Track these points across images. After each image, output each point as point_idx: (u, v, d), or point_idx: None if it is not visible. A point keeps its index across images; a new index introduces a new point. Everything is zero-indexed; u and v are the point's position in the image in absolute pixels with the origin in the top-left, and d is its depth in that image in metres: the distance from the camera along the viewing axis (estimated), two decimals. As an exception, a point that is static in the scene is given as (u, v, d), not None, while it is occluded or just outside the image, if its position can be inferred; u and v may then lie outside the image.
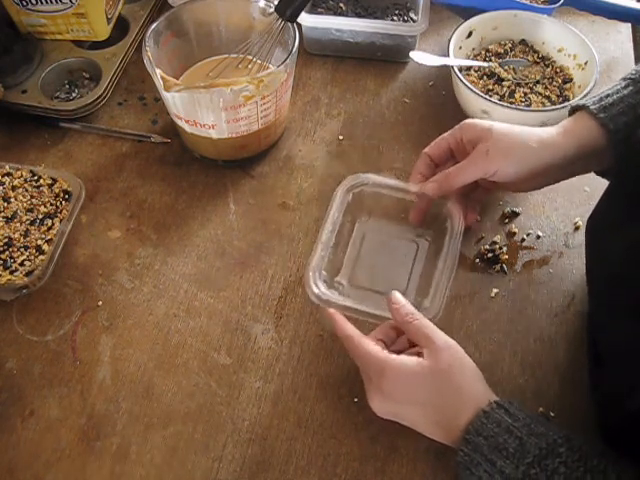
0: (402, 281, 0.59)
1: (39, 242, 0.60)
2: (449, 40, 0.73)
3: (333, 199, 0.59)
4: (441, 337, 0.48)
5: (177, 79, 0.70)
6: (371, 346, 0.48)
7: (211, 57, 0.73)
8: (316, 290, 0.54)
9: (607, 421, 0.51)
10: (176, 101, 0.62)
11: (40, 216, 0.62)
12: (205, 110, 0.61)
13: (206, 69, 0.71)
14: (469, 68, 0.75)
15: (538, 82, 0.74)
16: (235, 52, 0.70)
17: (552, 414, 0.54)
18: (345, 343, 0.50)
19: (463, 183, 0.56)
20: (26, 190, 0.64)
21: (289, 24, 0.65)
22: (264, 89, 0.61)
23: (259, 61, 0.68)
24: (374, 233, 0.63)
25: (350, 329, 0.50)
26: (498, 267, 0.63)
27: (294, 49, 0.63)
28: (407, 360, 0.47)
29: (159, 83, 0.60)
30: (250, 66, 0.68)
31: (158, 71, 0.59)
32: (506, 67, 0.75)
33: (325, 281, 0.56)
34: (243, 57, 0.68)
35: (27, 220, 0.62)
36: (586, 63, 0.72)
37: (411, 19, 0.83)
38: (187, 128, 0.66)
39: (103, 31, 0.78)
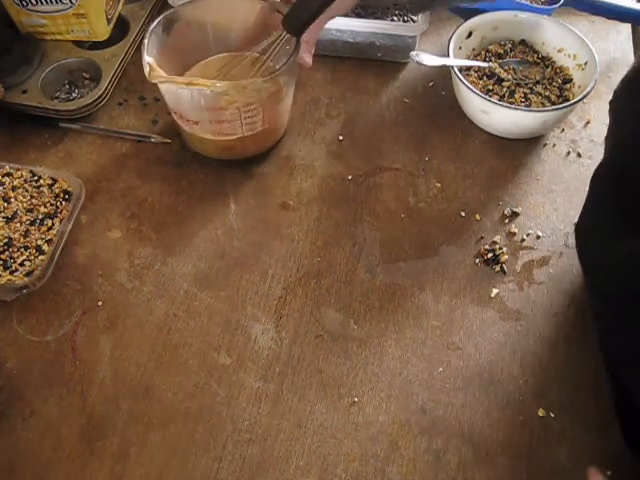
0: None
1: (39, 242, 0.60)
2: (449, 40, 0.73)
3: None
4: None
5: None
6: None
7: (210, 57, 0.73)
8: None
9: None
10: (166, 96, 0.62)
11: (40, 216, 0.62)
12: (188, 106, 0.61)
13: (211, 68, 0.70)
14: (469, 68, 0.75)
15: (538, 82, 0.74)
16: (233, 52, 0.70)
17: (552, 414, 0.54)
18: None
19: None
20: (26, 190, 0.64)
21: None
22: (246, 97, 0.60)
23: (271, 63, 0.66)
24: None
25: None
26: (498, 267, 0.63)
27: (285, 65, 0.61)
28: None
29: (146, 70, 0.59)
30: (259, 66, 0.67)
31: (149, 59, 0.59)
32: (506, 67, 0.75)
33: None
34: (258, 56, 0.66)
35: (27, 220, 0.62)
36: (586, 63, 0.72)
37: (411, 19, 0.83)
38: (187, 128, 0.66)
39: (103, 31, 0.78)
